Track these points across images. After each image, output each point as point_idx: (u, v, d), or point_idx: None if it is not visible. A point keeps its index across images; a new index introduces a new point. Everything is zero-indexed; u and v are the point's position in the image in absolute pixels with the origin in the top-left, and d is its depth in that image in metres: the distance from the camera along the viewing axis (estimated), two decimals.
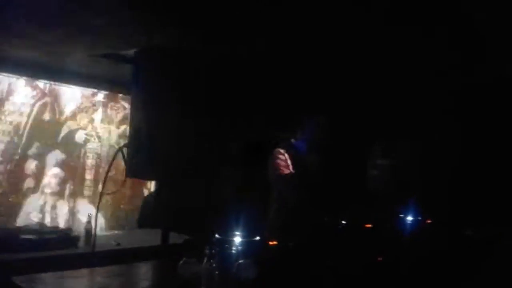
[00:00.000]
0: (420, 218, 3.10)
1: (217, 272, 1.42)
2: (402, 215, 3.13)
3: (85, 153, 3.81)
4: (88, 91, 3.83)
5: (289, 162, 3.04)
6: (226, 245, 1.87)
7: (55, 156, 3.61)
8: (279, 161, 3.03)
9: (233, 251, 1.76)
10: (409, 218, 3.09)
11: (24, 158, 3.42)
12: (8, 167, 3.33)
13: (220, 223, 2.44)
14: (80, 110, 3.76)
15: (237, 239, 2.01)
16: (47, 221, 3.43)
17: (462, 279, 2.16)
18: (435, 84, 3.41)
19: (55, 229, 3.13)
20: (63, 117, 3.67)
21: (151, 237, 3.34)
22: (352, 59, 2.89)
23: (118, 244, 3.25)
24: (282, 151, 3.08)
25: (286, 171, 2.98)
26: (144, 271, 1.99)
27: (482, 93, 3.45)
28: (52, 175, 3.58)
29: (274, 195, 3.11)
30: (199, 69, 2.30)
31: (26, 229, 3.04)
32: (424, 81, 3.33)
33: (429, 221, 3.12)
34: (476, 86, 3.35)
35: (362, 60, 2.88)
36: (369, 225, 2.88)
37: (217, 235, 2.12)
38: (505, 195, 3.36)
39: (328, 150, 3.23)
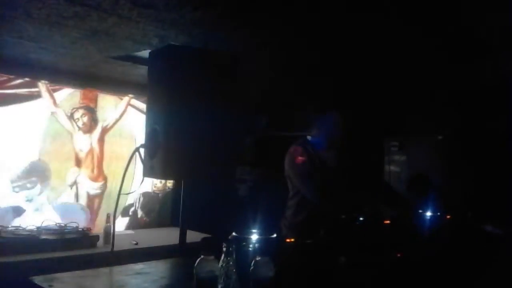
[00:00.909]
0: (439, 213, 3.06)
1: (234, 270, 1.42)
2: (420, 211, 3.09)
3: None
4: None
5: (305, 157, 3.02)
6: (243, 243, 1.87)
7: None
8: (297, 157, 3.01)
9: (250, 249, 1.76)
10: (428, 214, 3.05)
11: None
12: None
13: (237, 221, 2.45)
14: None
15: (254, 237, 2.01)
16: None
17: (480, 275, 2.12)
18: (451, 80, 3.35)
19: (74, 229, 3.17)
20: None
21: (169, 236, 3.37)
22: (367, 56, 2.86)
23: (136, 243, 3.29)
24: (299, 147, 3.06)
25: (304, 168, 2.97)
26: (162, 269, 2.00)
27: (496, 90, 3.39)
28: None
29: (291, 192, 3.10)
30: (215, 67, 2.30)
31: (46, 230, 3.09)
32: (440, 76, 3.28)
33: (448, 217, 3.08)
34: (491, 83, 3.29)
35: (377, 57, 2.85)
36: (388, 221, 2.85)
37: (234, 233, 2.12)
38: None
39: (344, 146, 3.21)
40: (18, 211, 3.41)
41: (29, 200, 3.50)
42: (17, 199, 3.43)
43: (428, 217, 2.98)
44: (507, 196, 3.35)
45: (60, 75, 3.54)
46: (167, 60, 2.19)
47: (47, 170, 3.60)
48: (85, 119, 3.80)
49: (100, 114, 3.90)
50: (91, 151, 3.86)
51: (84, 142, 3.82)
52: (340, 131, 3.11)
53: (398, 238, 2.41)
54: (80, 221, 3.44)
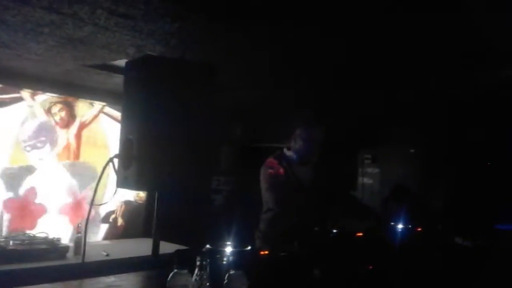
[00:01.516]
0: (410, 226, 3.12)
1: (208, 284, 1.42)
2: (392, 223, 3.14)
3: None
4: None
5: (280, 171, 3.05)
6: (218, 256, 1.87)
7: None
8: (268, 171, 3.05)
9: (224, 262, 1.75)
10: (400, 226, 3.10)
11: None
12: None
13: (212, 233, 2.44)
14: None
15: (228, 249, 2.01)
16: None
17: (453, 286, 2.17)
18: (425, 92, 3.44)
19: (44, 239, 3.09)
20: None
21: (141, 248, 3.32)
22: (342, 68, 2.91)
23: (107, 255, 3.22)
24: (274, 161, 3.09)
25: (272, 180, 3.01)
26: (134, 282, 1.98)
27: (471, 103, 3.49)
28: None
29: (265, 206, 3.12)
30: (192, 78, 2.30)
31: (14, 239, 3.00)
32: (414, 87, 3.35)
33: (419, 229, 3.14)
34: (467, 95, 3.39)
35: (352, 68, 2.91)
36: (360, 234, 2.88)
37: (208, 246, 2.11)
38: (494, 202, 3.40)
39: (320, 160, 3.25)
40: (30, 170, 3.55)
41: (40, 159, 3.62)
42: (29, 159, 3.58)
43: (399, 230, 3.04)
44: (478, 209, 3.44)
45: (35, 82, 3.49)
46: (143, 70, 2.18)
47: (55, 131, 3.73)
48: (63, 113, 3.75)
49: (78, 109, 3.85)
50: (67, 146, 3.82)
51: (62, 137, 3.79)
52: (318, 146, 3.15)
53: (370, 250, 2.45)
54: None
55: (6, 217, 3.47)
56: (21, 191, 3.54)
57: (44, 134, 3.66)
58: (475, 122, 3.64)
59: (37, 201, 3.62)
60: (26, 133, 3.57)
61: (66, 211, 3.75)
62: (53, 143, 3.72)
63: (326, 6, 1.91)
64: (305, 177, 3.13)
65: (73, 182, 3.82)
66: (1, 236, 3.04)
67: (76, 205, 3.78)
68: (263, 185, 3.06)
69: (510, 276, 2.27)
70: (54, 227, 3.55)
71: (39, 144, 3.62)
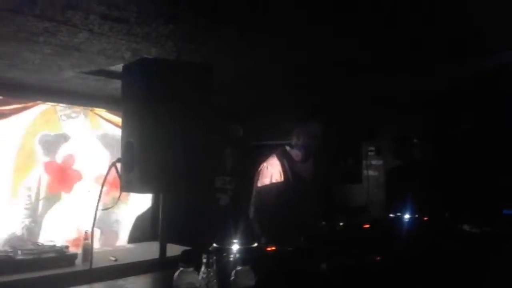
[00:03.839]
0: (416, 215, 3.12)
1: (215, 281, 1.42)
2: (398, 214, 3.14)
3: None
4: None
5: (279, 170, 3.06)
6: (224, 253, 1.87)
7: None
8: (262, 178, 3.06)
9: (231, 259, 1.75)
10: (406, 216, 3.10)
11: None
12: None
13: (218, 232, 2.44)
14: None
15: (235, 247, 2.01)
16: None
17: (461, 275, 2.17)
18: (421, 83, 3.42)
19: (51, 248, 3.10)
20: None
21: (149, 251, 3.33)
22: (342, 64, 2.90)
23: (116, 260, 3.23)
24: (276, 161, 3.09)
25: (261, 196, 3.03)
26: (142, 284, 1.98)
27: (467, 92, 3.48)
28: None
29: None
30: (189, 78, 2.30)
31: (22, 250, 3.02)
32: (411, 80, 3.34)
33: (426, 218, 3.13)
34: (462, 83, 3.37)
35: (354, 63, 2.89)
36: (367, 225, 2.88)
37: (214, 244, 2.11)
38: (499, 188, 3.38)
39: (322, 156, 3.25)
40: (66, 138, 3.75)
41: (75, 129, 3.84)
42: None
43: (406, 220, 3.04)
44: (483, 196, 3.43)
45: (32, 92, 3.48)
46: (140, 73, 2.18)
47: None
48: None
49: None
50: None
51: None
52: (319, 141, 3.15)
53: (377, 242, 2.44)
54: None
55: (44, 180, 3.62)
56: (58, 157, 3.72)
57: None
58: (476, 109, 3.62)
59: (74, 167, 3.79)
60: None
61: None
62: (86, 114, 3.93)
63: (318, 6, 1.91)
64: (306, 174, 3.13)
65: (106, 153, 3.95)
66: (9, 247, 3.05)
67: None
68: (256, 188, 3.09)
69: None
70: (89, 193, 3.74)
71: (73, 114, 3.83)
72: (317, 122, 3.21)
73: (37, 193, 3.55)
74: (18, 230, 3.40)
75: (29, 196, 3.50)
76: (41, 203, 3.55)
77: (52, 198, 3.63)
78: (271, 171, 3.05)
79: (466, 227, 2.87)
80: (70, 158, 3.79)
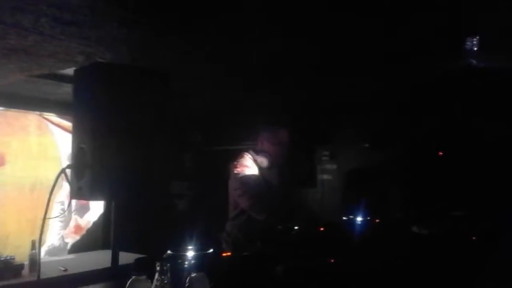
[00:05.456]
0: (368, 218, 3.21)
1: None
2: (351, 216, 3.22)
3: None
4: None
5: (251, 175, 3.07)
6: (179, 260, 1.85)
7: None
8: (240, 178, 3.06)
9: (186, 265, 1.75)
10: (359, 219, 3.19)
11: None
12: None
13: (173, 239, 2.41)
14: None
15: (189, 253, 2.00)
16: None
17: (413, 276, 2.24)
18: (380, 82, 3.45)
19: None
20: None
21: (100, 260, 3.24)
22: (297, 66, 2.92)
23: (65, 270, 3.12)
24: (245, 165, 3.09)
25: (249, 191, 3.03)
26: None
27: (430, 91, 3.54)
28: None
29: (235, 210, 3.12)
30: (144, 84, 2.28)
31: None
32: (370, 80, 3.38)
33: (377, 221, 3.23)
34: (426, 84, 3.42)
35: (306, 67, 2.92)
36: (321, 228, 2.94)
37: (169, 251, 2.09)
38: (450, 190, 3.51)
39: (285, 160, 3.26)
40: None
41: None
42: None
43: (358, 222, 3.13)
44: (434, 197, 3.55)
45: None
46: (93, 78, 2.14)
47: None
48: None
49: None
50: None
51: None
52: (286, 148, 3.18)
53: (330, 244, 2.50)
54: None
55: None
56: None
57: None
58: (429, 110, 3.71)
59: None
60: None
61: None
62: None
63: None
64: (271, 178, 3.16)
65: None
66: None
67: None
68: (237, 190, 3.06)
69: (466, 260, 2.36)
70: None
71: None
72: (282, 128, 3.24)
73: None
74: None
75: None
76: None
77: None
78: (245, 164, 3.07)
79: (415, 229, 2.97)
80: None
